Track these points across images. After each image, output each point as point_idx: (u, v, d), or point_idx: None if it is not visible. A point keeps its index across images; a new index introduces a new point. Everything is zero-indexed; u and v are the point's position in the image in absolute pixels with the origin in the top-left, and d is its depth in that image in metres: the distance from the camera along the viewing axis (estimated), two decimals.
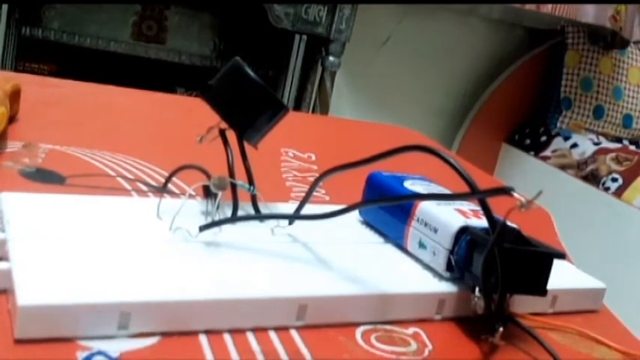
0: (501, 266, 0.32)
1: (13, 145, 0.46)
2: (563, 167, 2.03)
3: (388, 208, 0.40)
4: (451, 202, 0.38)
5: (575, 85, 2.16)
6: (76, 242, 0.31)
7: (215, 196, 0.36)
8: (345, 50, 1.65)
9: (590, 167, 1.95)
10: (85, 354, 0.26)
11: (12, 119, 0.48)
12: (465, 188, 0.33)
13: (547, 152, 2.12)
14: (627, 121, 2.20)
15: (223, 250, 0.34)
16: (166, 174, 0.47)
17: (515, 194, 0.29)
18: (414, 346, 0.32)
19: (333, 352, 0.30)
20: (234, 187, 0.37)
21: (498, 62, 2.26)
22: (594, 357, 0.35)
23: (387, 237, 0.41)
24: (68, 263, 0.29)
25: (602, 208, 1.85)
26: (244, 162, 0.39)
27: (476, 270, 0.34)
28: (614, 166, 1.89)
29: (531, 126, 2.24)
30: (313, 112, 1.68)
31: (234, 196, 0.38)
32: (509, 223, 0.32)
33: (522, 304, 0.37)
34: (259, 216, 0.39)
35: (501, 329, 0.32)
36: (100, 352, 0.26)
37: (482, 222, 0.35)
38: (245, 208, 0.39)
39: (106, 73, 1.61)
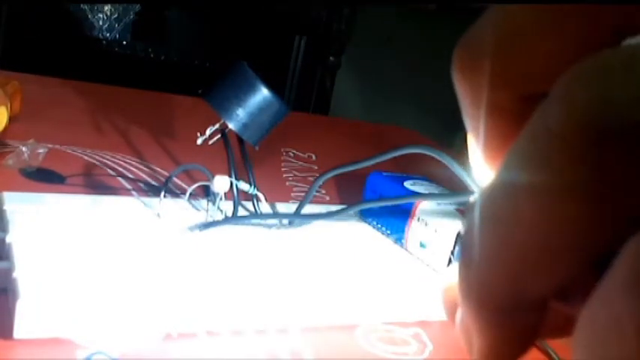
0: None
1: (13, 145, 0.46)
2: None
3: (388, 208, 0.40)
4: (451, 202, 0.38)
5: None
6: (76, 242, 0.31)
7: (215, 195, 0.36)
8: (345, 50, 1.65)
9: None
10: (85, 354, 0.26)
11: (12, 119, 0.48)
12: (465, 188, 0.33)
13: None
14: None
15: (223, 250, 0.34)
16: (166, 174, 0.47)
17: None
18: (414, 346, 0.32)
19: (333, 352, 0.30)
20: (234, 187, 0.37)
21: None
22: None
23: (387, 237, 0.41)
24: (68, 263, 0.29)
25: None
26: (245, 162, 0.39)
27: None
28: None
29: None
30: (313, 112, 1.68)
31: (234, 196, 0.38)
32: None
33: None
34: (259, 216, 0.39)
35: None
36: (99, 352, 0.26)
37: None
38: (245, 208, 0.40)
39: (106, 73, 1.61)
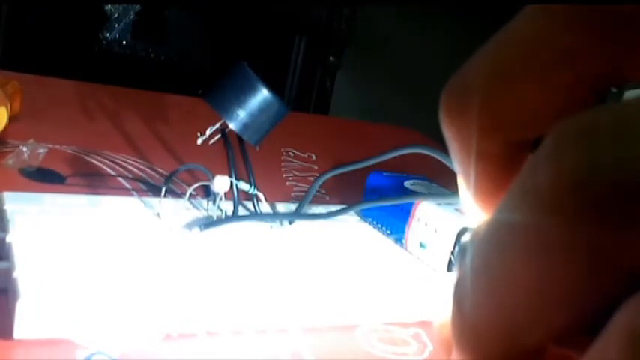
0: None
1: (13, 145, 0.47)
2: None
3: (388, 208, 0.40)
4: (451, 202, 0.38)
5: None
6: (76, 242, 0.31)
7: (215, 195, 0.36)
8: (345, 50, 1.65)
9: None
10: (84, 354, 0.26)
11: (12, 119, 0.48)
12: None
13: None
14: None
15: (223, 250, 0.34)
16: (166, 174, 0.47)
17: None
18: (414, 346, 0.32)
19: (333, 352, 0.30)
20: (234, 187, 0.37)
21: None
22: None
23: (387, 237, 0.41)
24: (68, 263, 0.29)
25: None
26: (245, 162, 0.39)
27: None
28: None
29: None
30: (313, 112, 1.68)
31: (234, 196, 0.38)
32: None
33: None
34: (259, 215, 0.39)
35: None
36: (99, 352, 0.26)
37: None
38: (245, 208, 0.40)
39: (106, 73, 1.61)
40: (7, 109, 0.46)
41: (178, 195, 0.43)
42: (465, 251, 0.13)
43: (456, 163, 0.16)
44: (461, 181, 0.16)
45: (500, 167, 0.15)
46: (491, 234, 0.13)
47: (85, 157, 0.48)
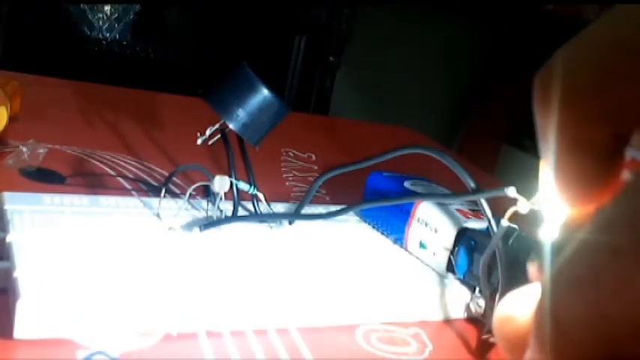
0: (502, 266, 0.32)
1: (13, 145, 0.47)
2: None
3: (388, 208, 0.40)
4: (451, 202, 0.38)
5: None
6: (76, 242, 0.31)
7: (215, 195, 0.36)
8: (345, 50, 1.65)
9: None
10: (85, 354, 0.26)
11: (12, 119, 0.48)
12: (465, 188, 0.33)
13: None
14: None
15: (223, 250, 0.34)
16: (166, 174, 0.47)
17: (516, 195, 0.29)
18: (414, 346, 0.32)
19: (333, 352, 0.30)
20: (234, 187, 0.37)
21: (499, 62, 2.26)
22: None
23: (387, 237, 0.41)
24: (68, 263, 0.29)
25: None
26: (245, 162, 0.39)
27: (476, 270, 0.34)
28: None
29: (531, 126, 2.23)
30: (313, 112, 1.68)
31: (234, 196, 0.38)
32: (509, 224, 0.32)
33: None
34: (259, 216, 0.39)
35: None
36: (100, 352, 0.26)
37: (483, 222, 0.35)
38: (245, 208, 0.40)
39: (106, 73, 1.61)
40: (7, 109, 0.46)
41: (178, 195, 0.43)
42: (541, 250, 0.13)
43: (544, 148, 0.16)
44: (544, 168, 0.16)
45: (594, 157, 0.15)
46: (588, 247, 0.12)
47: (85, 157, 0.48)
